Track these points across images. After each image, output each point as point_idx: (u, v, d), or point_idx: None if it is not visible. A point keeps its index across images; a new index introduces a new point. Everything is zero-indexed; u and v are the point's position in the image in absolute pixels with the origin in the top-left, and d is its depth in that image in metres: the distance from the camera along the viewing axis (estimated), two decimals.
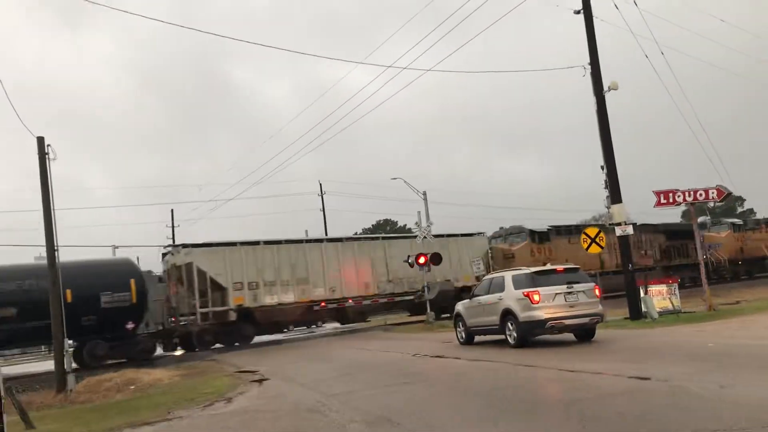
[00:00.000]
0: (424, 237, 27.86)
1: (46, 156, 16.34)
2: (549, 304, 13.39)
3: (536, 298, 13.38)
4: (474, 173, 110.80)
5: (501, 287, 14.50)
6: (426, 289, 27.48)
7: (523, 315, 13.55)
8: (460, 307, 16.53)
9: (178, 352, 24.43)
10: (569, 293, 13.56)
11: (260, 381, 13.74)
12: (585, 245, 20.89)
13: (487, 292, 15.12)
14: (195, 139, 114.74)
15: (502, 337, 14.47)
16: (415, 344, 18.48)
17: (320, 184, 48.15)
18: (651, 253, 34.10)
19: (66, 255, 19.98)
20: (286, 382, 12.78)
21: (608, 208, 20.86)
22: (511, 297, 13.99)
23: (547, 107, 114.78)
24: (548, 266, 14.90)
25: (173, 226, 46.92)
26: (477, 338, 16.03)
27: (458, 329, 16.53)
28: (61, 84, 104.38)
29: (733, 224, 42.20)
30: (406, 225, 74.79)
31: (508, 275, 14.60)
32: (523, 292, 13.63)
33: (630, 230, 20.36)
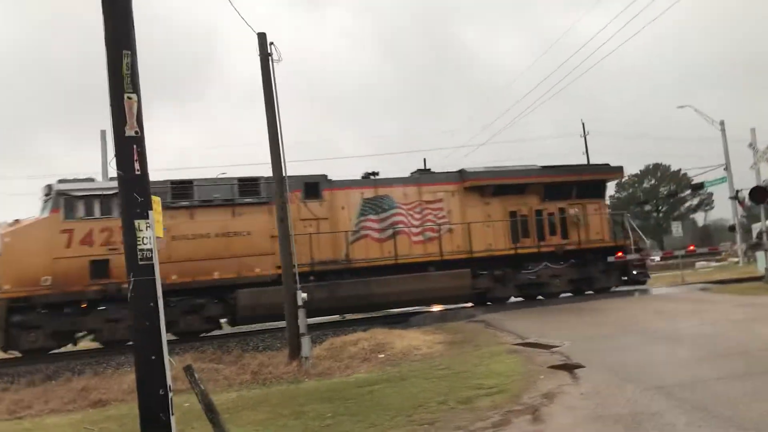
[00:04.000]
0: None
1: (270, 56, 12.72)
2: None
3: None
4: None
5: None
6: (765, 236, 19.63)
7: None
8: None
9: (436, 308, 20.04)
10: None
11: (568, 368, 8.51)
12: None
13: None
14: (432, 100, 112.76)
15: None
16: None
17: (582, 124, 43.67)
18: None
19: None
20: (625, 381, 7.28)
21: None
22: None
23: None
24: None
25: None
26: None
27: None
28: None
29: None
30: (680, 170, 62.64)
31: None
32: None
33: None
